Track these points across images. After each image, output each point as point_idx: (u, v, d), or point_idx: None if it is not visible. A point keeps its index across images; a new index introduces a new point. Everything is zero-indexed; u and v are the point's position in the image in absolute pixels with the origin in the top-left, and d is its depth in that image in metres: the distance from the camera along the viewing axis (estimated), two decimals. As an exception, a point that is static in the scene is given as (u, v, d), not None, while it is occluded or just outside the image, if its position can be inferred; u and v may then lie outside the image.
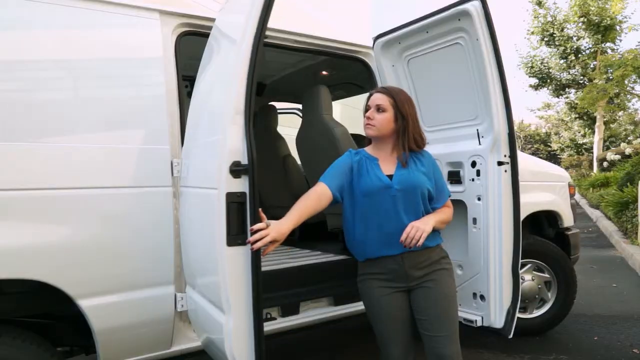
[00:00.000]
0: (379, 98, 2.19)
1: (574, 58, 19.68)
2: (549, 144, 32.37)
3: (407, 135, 2.16)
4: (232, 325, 1.92)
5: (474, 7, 2.62)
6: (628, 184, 9.23)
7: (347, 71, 4.03)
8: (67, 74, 2.29)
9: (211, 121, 2.19)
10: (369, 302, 2.21)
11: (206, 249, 2.08)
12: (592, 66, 19.44)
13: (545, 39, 19.95)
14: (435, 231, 2.16)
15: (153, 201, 2.37)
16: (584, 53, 19.69)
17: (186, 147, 2.42)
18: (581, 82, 20.16)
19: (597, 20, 18.31)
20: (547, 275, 3.79)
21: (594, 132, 20.69)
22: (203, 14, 2.66)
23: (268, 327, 2.76)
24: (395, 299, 2.16)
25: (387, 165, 2.18)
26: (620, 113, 22.90)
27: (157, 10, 2.50)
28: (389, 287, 2.15)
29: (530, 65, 20.73)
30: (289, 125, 4.99)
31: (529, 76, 20.98)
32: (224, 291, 1.92)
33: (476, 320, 2.77)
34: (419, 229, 2.03)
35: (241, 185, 1.93)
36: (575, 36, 19.54)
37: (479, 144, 2.84)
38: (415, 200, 2.10)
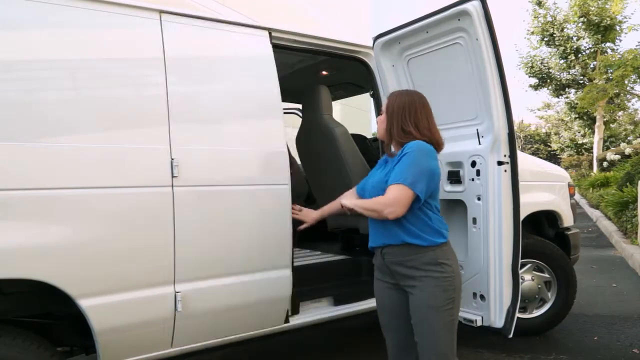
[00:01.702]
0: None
1: (574, 58, 19.68)
2: (549, 144, 32.35)
3: (390, 128, 2.17)
4: None
5: (473, 7, 2.62)
6: (628, 184, 9.22)
7: (347, 71, 4.03)
8: (68, 74, 2.28)
9: None
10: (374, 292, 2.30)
11: None
12: (592, 66, 19.43)
13: (545, 39, 19.94)
14: (430, 230, 2.07)
15: (153, 201, 2.37)
16: (584, 53, 19.68)
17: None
18: (581, 82, 20.15)
19: (597, 20, 18.30)
20: (547, 275, 3.79)
21: (594, 132, 20.68)
22: (204, 15, 2.66)
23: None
24: (387, 294, 2.20)
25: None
26: (620, 113, 22.88)
27: (157, 11, 2.51)
28: (382, 280, 2.22)
29: (530, 65, 20.73)
30: (289, 125, 4.98)
31: (529, 76, 20.98)
32: None
33: (476, 320, 2.77)
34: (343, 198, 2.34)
35: None
36: (575, 36, 19.53)
37: (479, 143, 2.84)
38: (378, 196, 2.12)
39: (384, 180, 2.11)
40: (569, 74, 20.46)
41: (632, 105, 21.96)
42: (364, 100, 7.94)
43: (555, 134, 30.62)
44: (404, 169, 2.02)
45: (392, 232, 2.09)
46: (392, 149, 2.22)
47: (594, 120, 20.74)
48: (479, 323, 2.76)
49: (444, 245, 2.10)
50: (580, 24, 19.00)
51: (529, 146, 34.50)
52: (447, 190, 2.99)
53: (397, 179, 2.01)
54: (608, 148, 21.79)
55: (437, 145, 2.15)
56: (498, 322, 2.71)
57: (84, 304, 2.18)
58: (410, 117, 2.13)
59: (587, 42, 19.38)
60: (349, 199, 2.25)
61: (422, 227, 2.07)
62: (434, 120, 2.20)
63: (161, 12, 2.51)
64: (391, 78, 3.26)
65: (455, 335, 2.12)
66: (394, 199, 1.99)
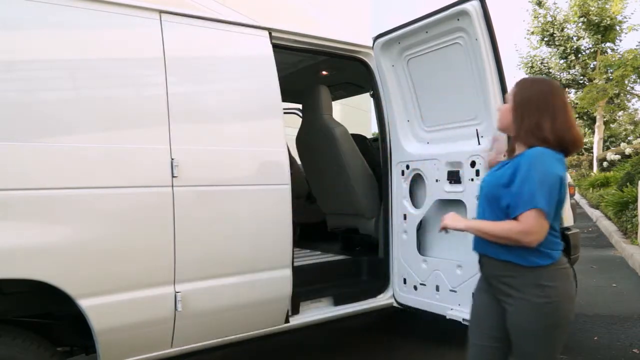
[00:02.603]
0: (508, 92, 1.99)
1: (574, 58, 19.68)
2: (549, 144, 32.32)
3: (517, 123, 1.85)
4: None
5: (472, 7, 2.62)
6: (628, 184, 9.21)
7: (347, 71, 4.04)
8: (68, 74, 2.29)
9: None
10: None
11: None
12: (592, 66, 19.44)
13: (545, 39, 19.95)
14: (535, 249, 1.77)
15: (153, 201, 2.37)
16: (584, 53, 19.69)
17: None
18: (581, 82, 20.16)
19: (597, 20, 18.31)
20: (547, 275, 3.78)
21: (594, 132, 20.68)
22: (204, 15, 2.66)
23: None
24: (484, 299, 1.98)
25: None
26: (620, 113, 22.90)
27: (157, 11, 2.51)
28: (482, 282, 2.00)
29: (530, 65, 20.74)
30: (289, 125, 4.99)
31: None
32: None
33: (476, 320, 2.76)
34: (444, 219, 1.97)
35: None
36: (575, 36, 19.54)
37: (479, 143, 2.84)
38: (485, 202, 1.92)
39: (497, 184, 1.85)
40: (569, 74, 20.46)
41: (632, 105, 22.03)
42: (364, 100, 7.94)
43: (556, 134, 30.60)
44: (536, 188, 1.73)
45: (491, 244, 1.85)
46: (517, 147, 1.90)
47: (594, 120, 20.74)
48: (479, 323, 2.76)
49: (551, 266, 1.81)
50: (580, 24, 19.01)
51: (529, 146, 34.45)
52: (446, 190, 2.99)
53: (530, 201, 1.73)
54: (608, 148, 21.81)
55: (573, 145, 1.83)
56: (498, 322, 2.71)
57: (84, 304, 2.18)
58: (544, 113, 1.81)
59: (587, 42, 19.39)
60: (457, 219, 1.96)
61: (541, 250, 1.80)
62: (572, 117, 1.89)
63: (161, 12, 2.51)
64: (391, 78, 3.26)
65: None
66: (533, 227, 1.73)
